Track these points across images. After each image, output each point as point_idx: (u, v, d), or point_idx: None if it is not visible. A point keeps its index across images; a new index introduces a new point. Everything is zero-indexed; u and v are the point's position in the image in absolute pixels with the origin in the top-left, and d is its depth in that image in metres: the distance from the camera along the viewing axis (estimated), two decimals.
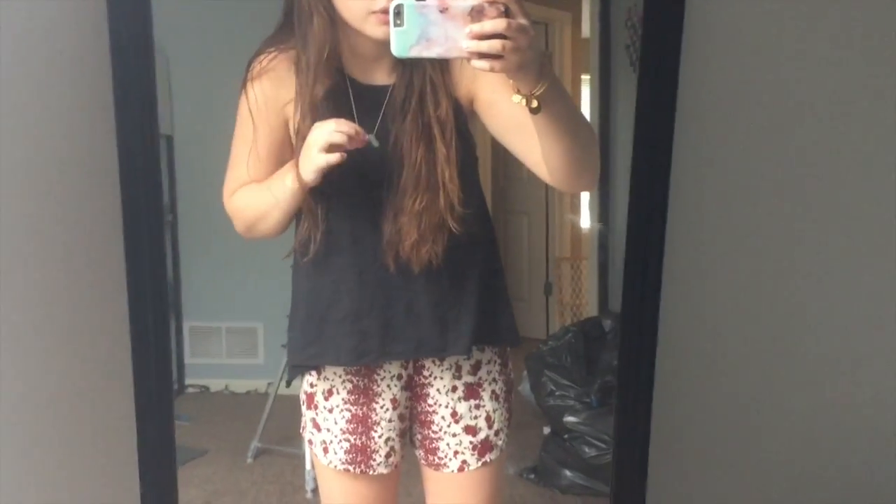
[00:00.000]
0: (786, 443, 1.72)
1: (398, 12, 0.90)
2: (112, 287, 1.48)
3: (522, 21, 0.91)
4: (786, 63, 1.60)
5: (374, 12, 1.10)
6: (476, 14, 0.89)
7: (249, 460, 2.13)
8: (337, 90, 1.18)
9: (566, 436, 2.22)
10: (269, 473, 1.93)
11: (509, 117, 1.15)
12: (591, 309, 3.80)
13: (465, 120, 1.21)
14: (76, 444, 1.56)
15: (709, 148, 1.59)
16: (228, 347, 3.45)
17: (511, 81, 0.99)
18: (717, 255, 1.64)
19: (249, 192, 1.24)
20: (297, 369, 1.34)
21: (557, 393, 2.24)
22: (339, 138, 1.11)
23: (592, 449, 2.16)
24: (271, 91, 1.18)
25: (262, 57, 1.20)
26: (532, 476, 2.29)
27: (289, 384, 1.37)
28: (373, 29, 1.12)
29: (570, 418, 2.19)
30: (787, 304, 1.66)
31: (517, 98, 0.99)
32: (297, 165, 1.17)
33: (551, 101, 1.00)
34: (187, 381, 3.67)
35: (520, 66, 0.93)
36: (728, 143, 1.61)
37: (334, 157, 1.11)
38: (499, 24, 0.89)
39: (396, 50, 0.91)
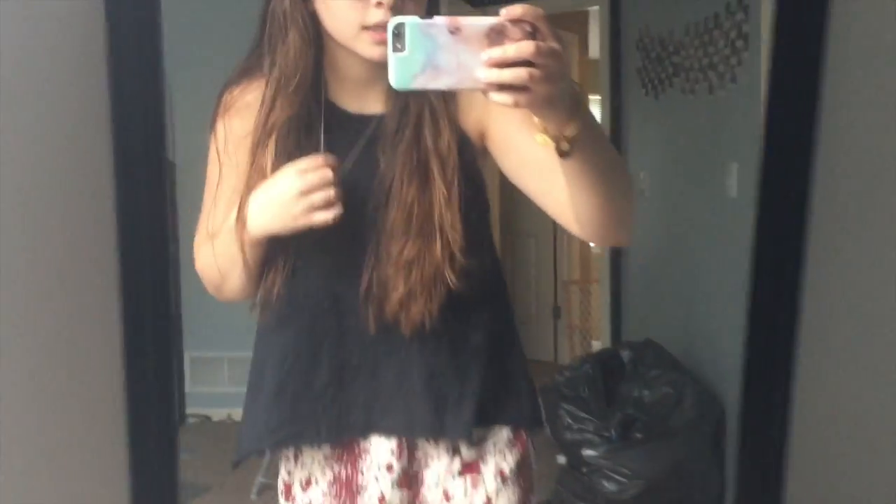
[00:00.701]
0: None
1: (398, 33, 0.74)
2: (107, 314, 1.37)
3: (553, 44, 0.75)
4: None
5: (367, 28, 0.92)
6: (495, 36, 0.74)
7: (254, 497, 2.05)
8: (307, 117, 1.00)
9: (584, 469, 2.14)
10: None
11: (529, 157, 0.98)
12: (601, 333, 3.75)
13: (473, 156, 1.03)
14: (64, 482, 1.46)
15: (854, 173, 1.39)
16: (231, 376, 3.38)
17: (536, 118, 0.83)
18: (863, 289, 1.45)
19: (211, 247, 1.03)
20: (253, 452, 1.13)
21: (575, 426, 2.16)
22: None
23: (613, 483, 2.08)
24: (241, 128, 1.01)
25: (232, 88, 1.04)
26: None
27: (236, 466, 1.15)
28: (365, 48, 0.94)
29: (589, 452, 2.11)
30: None
31: (542, 139, 0.84)
32: (242, 209, 0.96)
33: (585, 144, 0.85)
34: (189, 411, 3.61)
35: (549, 100, 0.77)
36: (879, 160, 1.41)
37: (332, 215, 0.92)
38: (525, 48, 0.74)
39: (397, 80, 0.75)
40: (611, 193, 0.92)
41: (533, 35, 0.74)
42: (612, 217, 0.94)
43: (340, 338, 1.02)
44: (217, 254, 1.01)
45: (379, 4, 0.90)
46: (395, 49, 0.73)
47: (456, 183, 0.98)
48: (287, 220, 0.93)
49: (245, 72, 1.03)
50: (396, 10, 0.89)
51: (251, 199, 0.95)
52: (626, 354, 2.37)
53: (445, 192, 0.98)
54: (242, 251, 0.97)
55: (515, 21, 0.74)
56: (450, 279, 0.98)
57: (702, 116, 2.33)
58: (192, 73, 3.12)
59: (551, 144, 0.83)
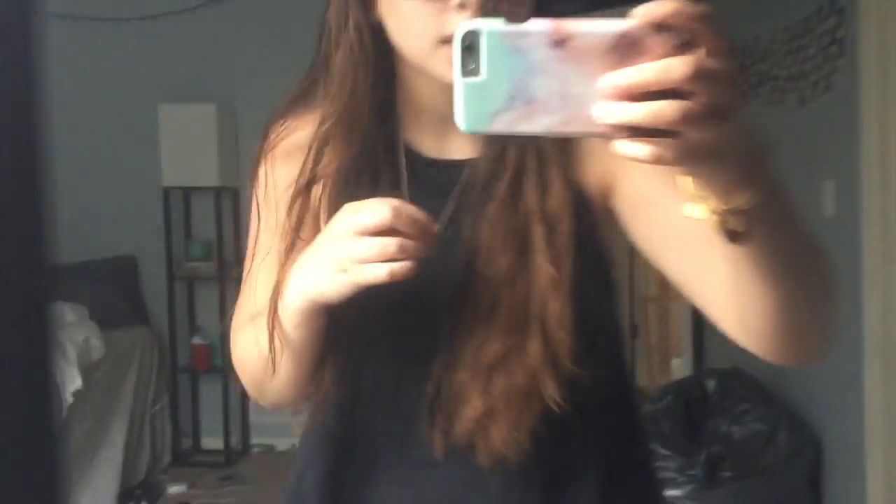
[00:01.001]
0: None
1: (470, 45, 0.47)
2: None
3: (724, 63, 0.46)
4: None
5: (446, 41, 0.68)
6: (626, 49, 0.46)
7: None
8: (371, 164, 0.77)
9: None
10: None
11: (676, 230, 0.69)
12: (682, 353, 3.58)
13: (595, 222, 0.76)
14: None
15: None
16: None
17: (689, 179, 0.55)
18: None
19: (252, 331, 0.78)
20: None
21: (656, 464, 2.01)
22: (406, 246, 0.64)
23: None
24: (287, 176, 0.79)
25: (280, 121, 0.82)
26: None
27: None
28: (443, 68, 0.69)
29: (672, 492, 1.96)
30: None
31: (699, 211, 0.56)
32: (279, 283, 0.73)
33: (766, 223, 0.56)
34: (253, 441, 3.55)
35: (711, 153, 0.49)
36: None
37: (402, 268, 0.64)
38: (675, 69, 0.45)
39: (467, 120, 0.48)
40: (799, 295, 0.63)
41: (687, 47, 0.46)
42: (797, 328, 0.65)
43: (400, 455, 0.79)
44: (259, 340, 0.76)
45: (461, 6, 0.66)
46: (467, 71, 0.47)
47: (569, 259, 0.72)
48: (332, 275, 0.67)
49: (297, 100, 0.80)
50: (487, 16, 0.55)
51: (307, 271, 0.70)
52: (711, 384, 2.21)
53: (552, 271, 0.72)
54: (271, 336, 0.73)
55: (660, 25, 0.46)
56: (549, 395, 0.70)
57: (792, 130, 2.16)
58: (257, 92, 3.07)
59: (713, 220, 0.55)
